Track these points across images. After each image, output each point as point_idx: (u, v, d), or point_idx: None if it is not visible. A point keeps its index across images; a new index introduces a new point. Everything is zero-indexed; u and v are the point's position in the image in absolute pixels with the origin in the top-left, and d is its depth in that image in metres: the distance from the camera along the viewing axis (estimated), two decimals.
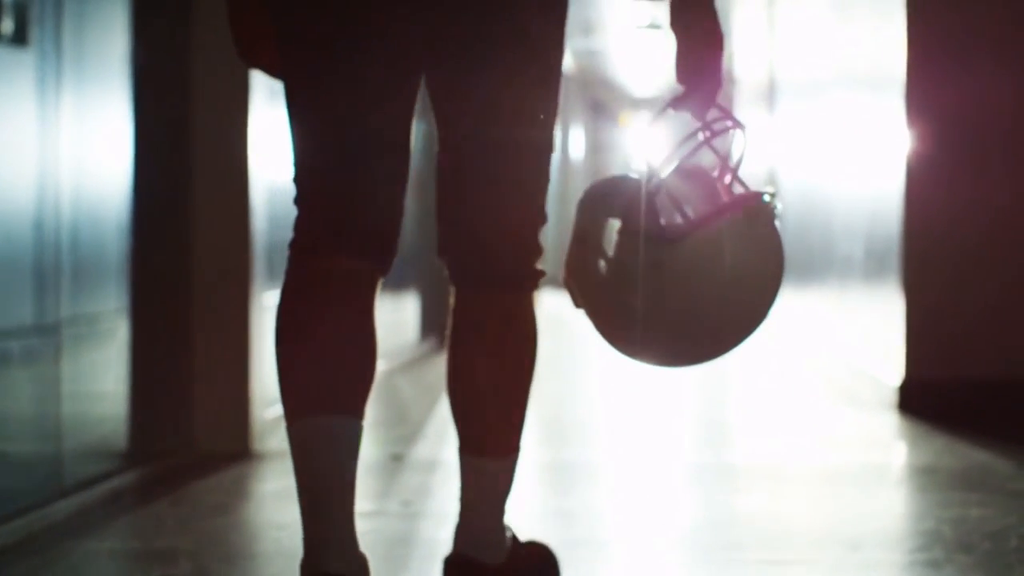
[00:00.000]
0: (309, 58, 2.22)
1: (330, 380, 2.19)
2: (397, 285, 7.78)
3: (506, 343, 2.38)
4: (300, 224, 2.27)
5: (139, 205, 4.16)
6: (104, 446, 4.00)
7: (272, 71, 2.31)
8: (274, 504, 3.76)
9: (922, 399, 5.44)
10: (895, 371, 5.58)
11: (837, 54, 7.23)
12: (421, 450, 4.57)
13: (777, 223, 2.21)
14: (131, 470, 3.98)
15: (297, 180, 2.28)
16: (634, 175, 2.21)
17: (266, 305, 4.56)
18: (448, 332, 2.42)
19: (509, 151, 2.27)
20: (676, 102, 2.24)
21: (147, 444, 4.19)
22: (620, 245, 2.17)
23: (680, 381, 6.68)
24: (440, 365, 6.03)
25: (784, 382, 6.70)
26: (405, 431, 5.03)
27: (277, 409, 4.90)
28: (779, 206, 2.21)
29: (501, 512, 2.49)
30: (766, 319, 2.22)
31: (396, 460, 4.33)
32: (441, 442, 4.72)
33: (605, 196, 2.22)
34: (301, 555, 2.20)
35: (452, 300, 2.41)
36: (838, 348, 6.95)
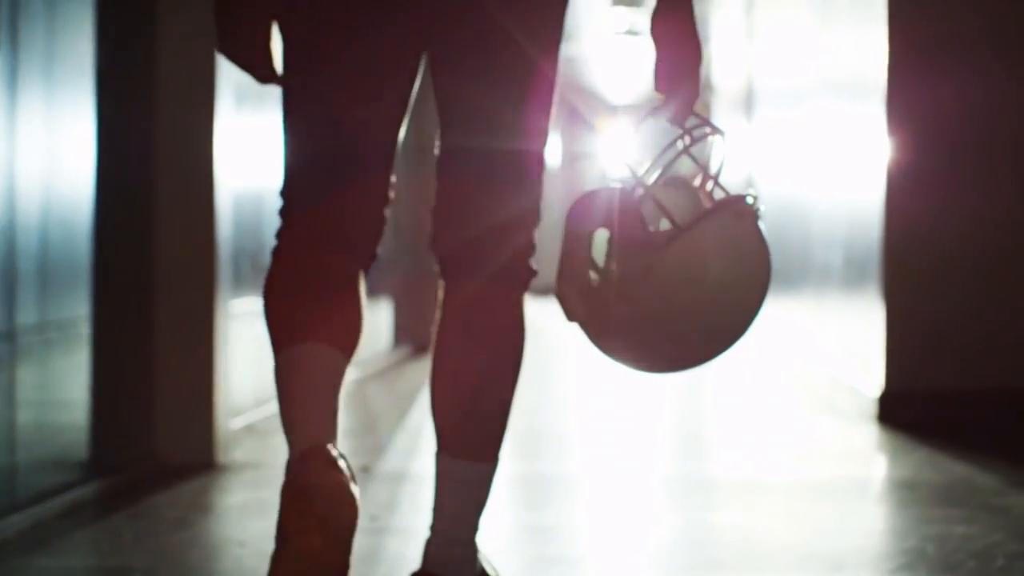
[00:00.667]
0: (307, 59, 2.24)
1: (316, 319, 2.22)
2: (369, 292, 7.66)
3: (493, 337, 2.34)
4: (286, 216, 2.29)
5: (101, 210, 4.03)
6: (63, 456, 3.87)
7: (254, 70, 2.30)
8: (237, 519, 3.65)
9: (902, 410, 5.35)
10: (874, 381, 5.49)
11: (817, 61, 7.15)
12: (389, 462, 4.46)
13: (761, 224, 2.24)
14: (90, 482, 3.85)
15: (286, 173, 2.30)
16: (617, 185, 2.24)
17: (232, 312, 4.44)
18: (435, 328, 2.37)
19: (507, 154, 2.29)
20: (656, 110, 2.27)
21: (108, 455, 4.06)
22: (609, 254, 2.20)
23: (657, 392, 6.58)
24: (412, 374, 5.85)
25: (762, 392, 6.61)
26: (373, 442, 4.92)
27: (244, 419, 4.83)
28: (762, 208, 2.25)
29: (474, 527, 2.37)
30: (756, 318, 2.24)
31: (364, 472, 4.22)
32: (410, 454, 4.61)
33: (592, 207, 2.24)
34: (283, 478, 2.12)
35: (441, 296, 2.37)
36: (817, 358, 6.86)
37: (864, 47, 5.77)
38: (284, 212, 2.29)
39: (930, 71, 5.38)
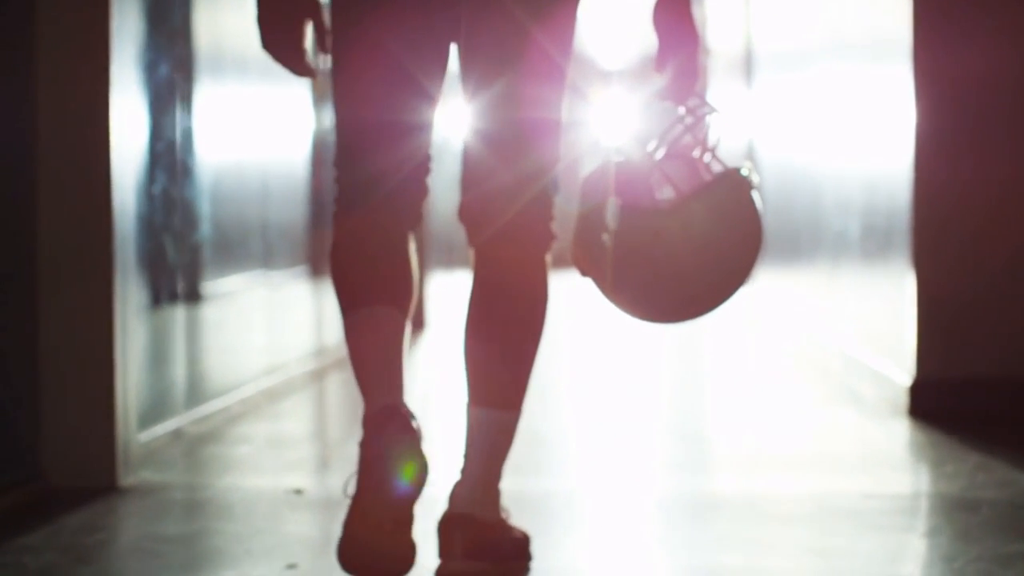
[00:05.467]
0: (355, 48, 2.53)
1: (376, 282, 2.54)
2: None
3: (520, 297, 2.62)
4: (339, 185, 2.59)
5: None
6: None
7: (293, 66, 2.54)
8: (136, 557, 2.89)
9: (939, 401, 4.60)
10: (903, 367, 4.73)
11: (825, 21, 6.38)
12: (331, 481, 3.70)
13: (755, 193, 2.55)
14: None
15: (337, 147, 2.58)
16: (625, 159, 2.56)
17: (133, 311, 3.67)
18: (468, 291, 2.64)
19: (528, 131, 2.56)
20: (659, 93, 2.56)
21: None
22: (622, 219, 2.49)
23: (657, 382, 5.82)
24: None
25: (772, 380, 5.84)
26: (314, 451, 4.16)
27: (152, 432, 4.08)
28: (757, 178, 2.55)
29: (498, 472, 2.64)
30: (754, 269, 2.56)
31: (296, 495, 3.46)
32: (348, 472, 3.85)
33: (604, 178, 2.54)
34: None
35: (471, 260, 2.64)
36: (832, 338, 6.09)
37: (883, 4, 5.01)
38: (337, 181, 2.59)
39: (959, 28, 4.63)
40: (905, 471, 3.89)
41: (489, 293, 2.62)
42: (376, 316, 2.51)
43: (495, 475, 2.64)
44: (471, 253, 2.65)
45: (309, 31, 2.53)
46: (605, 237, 2.48)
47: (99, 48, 3.54)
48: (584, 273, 2.55)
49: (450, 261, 10.56)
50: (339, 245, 2.57)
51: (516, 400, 2.64)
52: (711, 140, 2.56)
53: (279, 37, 2.51)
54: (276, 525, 3.16)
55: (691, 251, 2.48)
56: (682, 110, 2.55)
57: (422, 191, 2.60)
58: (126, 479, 3.57)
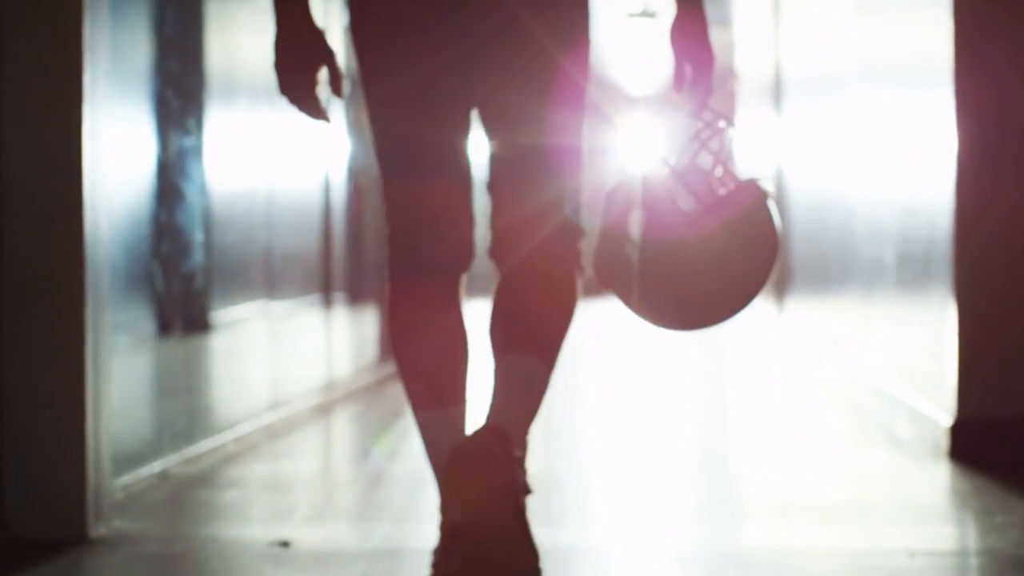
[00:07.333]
0: (382, 86, 2.63)
1: (438, 377, 2.62)
2: (354, 300, 6.65)
3: (552, 284, 2.64)
4: (391, 244, 2.67)
5: None
6: None
7: (308, 111, 2.59)
8: None
9: (981, 444, 4.28)
10: (944, 405, 4.42)
11: (858, 45, 6.09)
12: (321, 532, 3.39)
13: (771, 204, 2.59)
14: None
15: (383, 196, 2.67)
16: (645, 174, 2.60)
17: (108, 344, 3.38)
18: (494, 292, 2.67)
19: (551, 160, 2.62)
20: (676, 107, 2.67)
21: None
22: (645, 231, 2.56)
23: (682, 416, 5.52)
24: (396, 393, 4.65)
25: (803, 414, 5.52)
26: (311, 497, 3.86)
27: (134, 476, 3.79)
28: (771, 190, 2.59)
29: (526, 425, 2.60)
30: (771, 276, 2.59)
31: (282, 548, 3.16)
32: (344, 521, 3.55)
33: (626, 191, 2.59)
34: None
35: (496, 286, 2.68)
36: (864, 372, 5.77)
37: (922, 29, 4.70)
38: (389, 240, 2.67)
39: (1001, 52, 4.33)
40: (950, 523, 3.56)
41: (516, 292, 2.65)
42: (450, 420, 2.61)
43: (524, 425, 2.59)
44: (496, 282, 2.71)
45: (323, 76, 2.60)
46: (629, 248, 2.57)
47: (70, 61, 3.26)
48: (605, 285, 2.62)
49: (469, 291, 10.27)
50: (397, 322, 2.65)
51: (551, 358, 2.62)
52: (728, 153, 2.65)
53: (295, 82, 2.57)
54: None
55: (711, 260, 2.56)
56: (699, 124, 2.63)
57: (470, 220, 2.67)
58: (97, 529, 3.27)
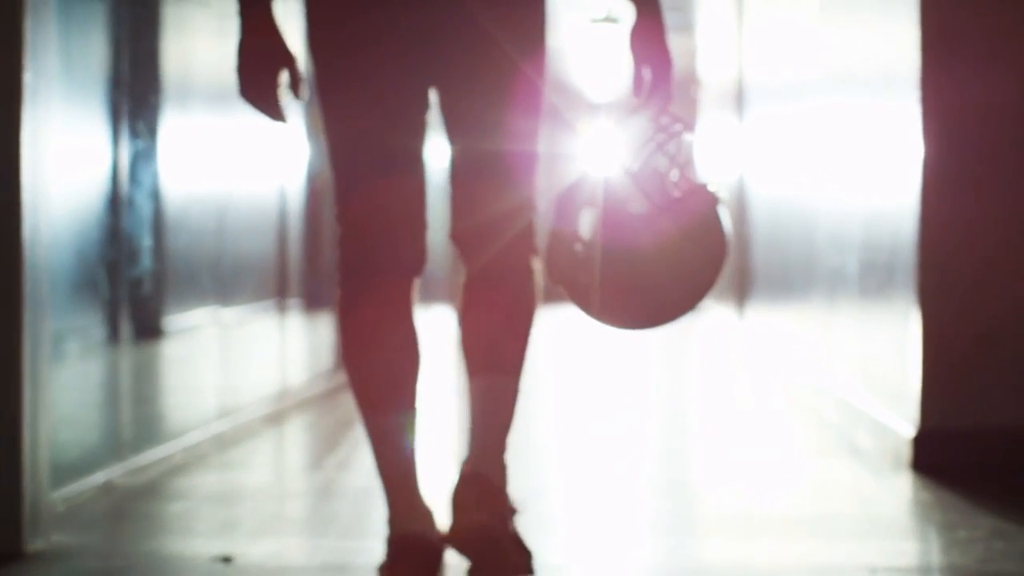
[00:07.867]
0: (339, 92, 2.66)
1: (389, 383, 2.68)
2: (310, 307, 6.54)
3: (510, 295, 2.78)
4: (343, 246, 2.68)
5: None
6: None
7: (269, 113, 2.60)
8: None
9: (944, 455, 4.21)
10: (906, 415, 4.34)
11: (823, 53, 6.02)
12: (266, 546, 3.29)
13: (722, 208, 2.62)
14: None
15: (336, 198, 2.69)
16: (599, 174, 2.61)
17: (46, 352, 3.26)
18: (459, 302, 2.82)
19: (507, 157, 2.71)
20: (634, 110, 2.70)
21: None
22: (595, 230, 2.58)
23: (643, 424, 5.43)
24: (349, 403, 4.64)
25: (764, 424, 5.44)
26: (258, 509, 3.75)
27: (76, 487, 3.67)
28: (723, 195, 2.62)
29: (503, 441, 2.79)
30: (719, 278, 2.63)
31: (224, 563, 3.05)
32: (291, 535, 3.45)
33: (579, 191, 2.61)
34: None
35: (464, 276, 2.81)
36: (827, 382, 5.70)
37: (888, 36, 4.63)
38: (341, 243, 2.69)
39: (968, 61, 4.26)
40: (912, 538, 3.47)
41: (483, 293, 2.78)
42: (399, 426, 2.69)
43: (501, 443, 2.80)
44: (461, 270, 2.86)
45: (284, 79, 2.62)
46: (578, 247, 2.58)
47: (8, 61, 3.16)
48: (556, 283, 2.66)
49: (426, 297, 10.16)
50: (349, 326, 2.69)
51: (516, 368, 2.79)
52: (683, 157, 2.66)
53: (257, 85, 2.59)
54: None
55: (661, 261, 2.58)
56: (656, 128, 2.64)
57: (422, 222, 2.71)
58: (34, 543, 3.16)
